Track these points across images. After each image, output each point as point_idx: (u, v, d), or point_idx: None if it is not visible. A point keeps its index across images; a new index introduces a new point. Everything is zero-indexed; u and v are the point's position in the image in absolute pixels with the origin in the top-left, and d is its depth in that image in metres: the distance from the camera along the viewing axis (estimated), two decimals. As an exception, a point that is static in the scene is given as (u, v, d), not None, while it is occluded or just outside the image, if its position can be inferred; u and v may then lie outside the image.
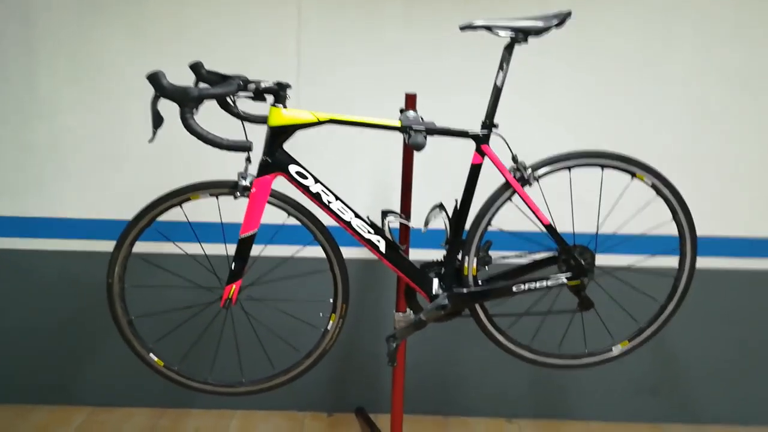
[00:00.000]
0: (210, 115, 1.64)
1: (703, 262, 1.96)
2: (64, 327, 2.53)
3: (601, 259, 1.90)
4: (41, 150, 2.41)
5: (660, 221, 1.90)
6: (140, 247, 1.83)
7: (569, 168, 1.83)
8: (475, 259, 1.85)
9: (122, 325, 1.84)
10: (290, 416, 2.58)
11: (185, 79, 1.63)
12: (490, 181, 1.81)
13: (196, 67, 1.75)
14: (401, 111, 1.87)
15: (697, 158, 2.39)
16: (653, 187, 1.86)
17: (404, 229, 1.96)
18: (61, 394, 2.58)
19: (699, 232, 1.89)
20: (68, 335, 2.54)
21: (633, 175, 1.85)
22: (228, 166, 1.79)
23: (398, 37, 2.32)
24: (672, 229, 1.89)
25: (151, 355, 1.87)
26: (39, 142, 2.40)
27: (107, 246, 2.32)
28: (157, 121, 1.57)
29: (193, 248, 2.04)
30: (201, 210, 1.86)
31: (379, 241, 1.81)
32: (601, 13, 2.29)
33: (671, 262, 1.93)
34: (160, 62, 1.88)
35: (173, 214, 1.79)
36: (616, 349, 1.98)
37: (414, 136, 1.72)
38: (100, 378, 2.57)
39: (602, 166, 1.84)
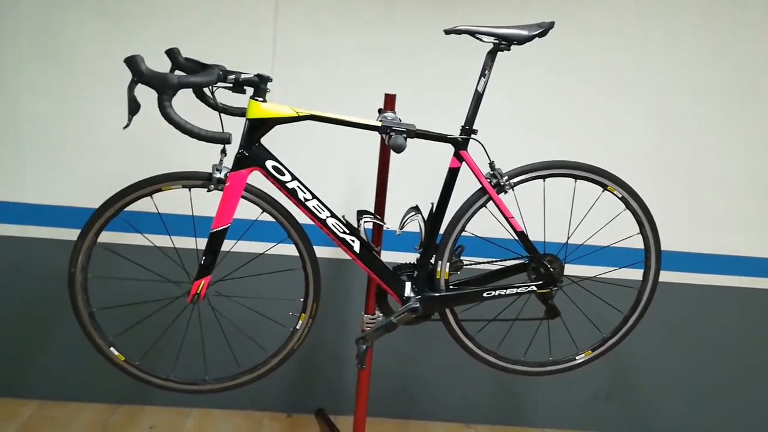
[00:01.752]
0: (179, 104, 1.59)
1: (666, 276, 2.02)
2: (13, 317, 2.43)
3: (570, 269, 1.94)
4: (-2, 131, 2.30)
5: (629, 233, 1.94)
6: (105, 236, 1.76)
7: (544, 177, 1.86)
8: (447, 264, 1.85)
9: (83, 318, 1.76)
10: (248, 416, 2.54)
11: (154, 66, 1.57)
12: (465, 185, 1.82)
13: (172, 54, 1.70)
14: (380, 111, 1.87)
15: (665, 170, 2.46)
16: (623, 200, 1.90)
17: (377, 230, 1.95)
18: (8, 387, 2.47)
19: (664, 247, 1.94)
20: (18, 325, 2.44)
21: (605, 187, 1.88)
22: (196, 156, 1.75)
23: (377, 36, 2.31)
24: (640, 242, 1.94)
25: (112, 349, 1.80)
26: (-4, 123, 2.30)
27: (65, 234, 2.29)
28: (134, 107, 1.51)
29: (161, 240, 1.98)
30: (172, 201, 1.81)
31: (353, 241, 1.79)
32: (579, 22, 2.34)
33: (637, 274, 1.98)
34: (129, 47, 1.82)
35: (142, 204, 1.74)
36: (580, 358, 2.02)
37: (394, 137, 1.71)
38: (51, 371, 2.47)
39: (576, 177, 1.88)
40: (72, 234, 1.75)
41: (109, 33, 2.25)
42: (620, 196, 1.89)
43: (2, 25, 2.23)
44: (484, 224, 1.86)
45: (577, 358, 2.02)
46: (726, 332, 2.60)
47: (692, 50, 2.39)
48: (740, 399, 2.66)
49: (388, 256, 1.94)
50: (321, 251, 1.93)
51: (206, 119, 1.65)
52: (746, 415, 2.66)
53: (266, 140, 1.70)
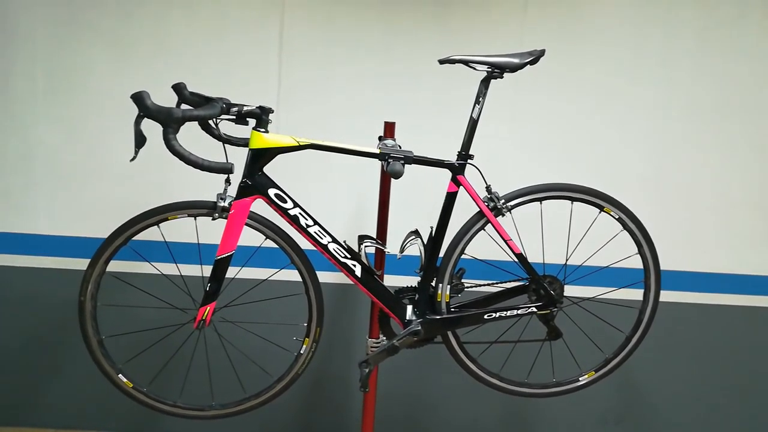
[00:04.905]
0: (186, 135, 1.65)
1: (666, 296, 2.03)
2: (25, 346, 2.48)
3: (570, 290, 1.96)
4: (12, 162, 2.38)
5: (628, 254, 1.96)
6: (114, 265, 1.81)
7: (540, 200, 1.89)
8: (448, 287, 1.88)
9: (92, 345, 1.81)
10: (257, 442, 2.55)
11: (164, 98, 1.64)
12: (466, 208, 1.85)
13: (178, 88, 1.77)
14: (380, 138, 1.93)
15: (663, 190, 2.49)
16: (620, 220, 1.92)
17: (380, 254, 1.99)
18: (21, 416, 2.51)
19: (663, 266, 1.96)
20: (31, 354, 2.49)
21: (601, 208, 1.91)
22: (202, 186, 1.80)
23: (378, 66, 2.38)
24: (639, 262, 1.96)
25: (120, 375, 1.84)
26: (10, 155, 2.37)
27: (76, 264, 2.34)
28: (140, 140, 1.57)
29: (168, 268, 2.03)
30: (178, 230, 1.86)
31: (355, 266, 1.83)
32: (574, 48, 2.39)
33: (637, 294, 1.99)
34: (139, 80, 1.89)
35: (149, 233, 1.79)
36: (583, 379, 2.02)
37: (392, 164, 1.76)
38: (63, 399, 2.51)
39: (572, 199, 1.91)
40: (81, 263, 1.80)
41: (119, 66, 2.33)
42: (617, 217, 1.92)
43: (18, 57, 2.32)
44: (485, 247, 1.89)
45: (580, 379, 2.02)
46: (733, 351, 2.59)
47: (687, 71, 2.43)
48: (752, 418, 2.64)
49: (390, 280, 1.97)
50: (326, 277, 1.97)
51: (212, 150, 1.71)
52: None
53: (270, 168, 1.75)
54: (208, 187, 1.79)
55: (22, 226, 2.41)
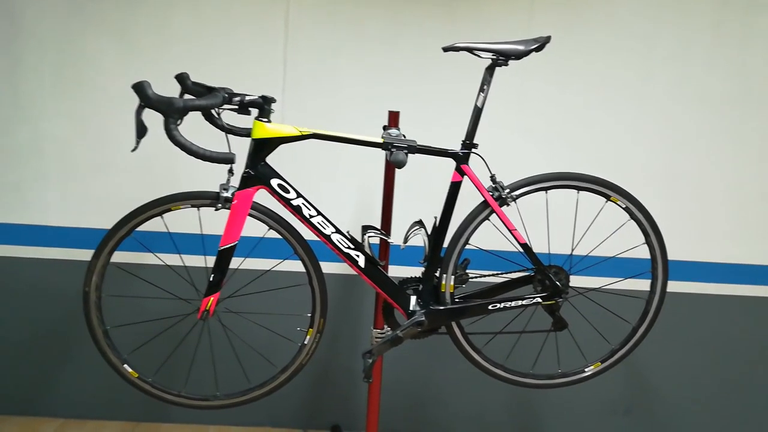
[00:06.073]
0: (192, 126, 1.65)
1: (674, 286, 2.00)
2: (35, 336, 2.50)
3: (577, 280, 1.94)
4: (22, 155, 2.39)
5: (636, 244, 1.94)
6: (118, 256, 1.82)
7: (546, 189, 1.87)
8: (452, 277, 1.87)
9: (97, 335, 1.82)
10: (264, 432, 2.57)
11: (171, 89, 1.64)
12: (470, 199, 1.84)
13: (181, 78, 1.77)
14: (384, 128, 1.91)
15: (673, 181, 2.46)
16: (627, 210, 1.90)
17: (384, 245, 1.98)
18: (31, 406, 2.54)
19: (671, 256, 1.93)
20: (39, 345, 2.51)
21: (608, 197, 1.89)
22: (209, 177, 1.80)
23: (384, 57, 2.37)
24: (646, 252, 1.93)
25: (126, 366, 1.85)
26: (20, 148, 2.39)
27: (85, 255, 2.34)
28: (141, 130, 1.57)
29: (172, 259, 2.04)
30: (181, 221, 1.86)
31: (358, 256, 1.82)
32: (583, 38, 2.36)
33: (645, 284, 1.97)
34: (146, 72, 1.89)
35: (152, 224, 1.80)
36: (589, 370, 2.00)
37: (395, 153, 1.75)
38: (72, 389, 2.53)
39: (578, 189, 1.89)
40: (88, 255, 1.81)
41: (126, 58, 2.34)
42: (624, 206, 1.89)
43: (24, 51, 2.33)
44: (489, 237, 1.87)
45: (586, 370, 2.01)
46: (742, 342, 2.56)
47: (699, 61, 2.39)
48: (763, 409, 2.61)
49: (394, 271, 1.97)
50: (330, 267, 1.96)
51: (214, 140, 1.71)
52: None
53: (274, 158, 1.75)
54: (213, 177, 1.79)
55: (33, 218, 2.43)
